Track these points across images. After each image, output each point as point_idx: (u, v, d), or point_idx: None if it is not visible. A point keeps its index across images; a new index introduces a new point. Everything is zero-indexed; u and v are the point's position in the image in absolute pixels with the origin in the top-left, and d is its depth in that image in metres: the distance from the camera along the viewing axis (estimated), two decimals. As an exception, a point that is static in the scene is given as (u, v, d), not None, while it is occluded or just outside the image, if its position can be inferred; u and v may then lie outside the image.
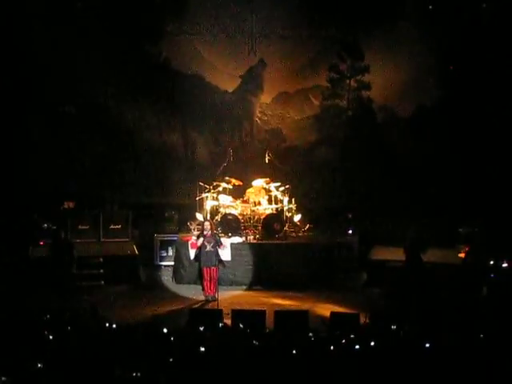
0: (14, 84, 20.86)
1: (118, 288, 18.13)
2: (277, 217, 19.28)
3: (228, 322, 13.25)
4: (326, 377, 9.54)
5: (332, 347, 10.43)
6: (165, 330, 11.31)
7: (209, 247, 16.40)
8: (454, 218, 18.89)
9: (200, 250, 16.71)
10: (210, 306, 16.10)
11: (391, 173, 22.10)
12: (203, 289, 16.85)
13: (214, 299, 16.05)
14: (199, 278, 17.35)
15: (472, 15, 21.41)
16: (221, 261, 16.89)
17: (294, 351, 10.15)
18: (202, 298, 16.75)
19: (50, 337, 10.94)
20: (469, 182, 20.65)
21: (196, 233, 18.51)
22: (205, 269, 16.59)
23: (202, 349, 10.21)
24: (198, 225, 19.53)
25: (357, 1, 22.01)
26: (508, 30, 20.97)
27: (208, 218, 18.07)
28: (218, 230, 18.53)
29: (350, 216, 20.76)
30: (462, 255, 17.98)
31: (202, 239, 16.52)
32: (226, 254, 17.74)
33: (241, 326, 12.20)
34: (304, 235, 19.73)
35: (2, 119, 20.66)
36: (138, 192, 22.34)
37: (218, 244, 16.59)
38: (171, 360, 9.76)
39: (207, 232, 16.51)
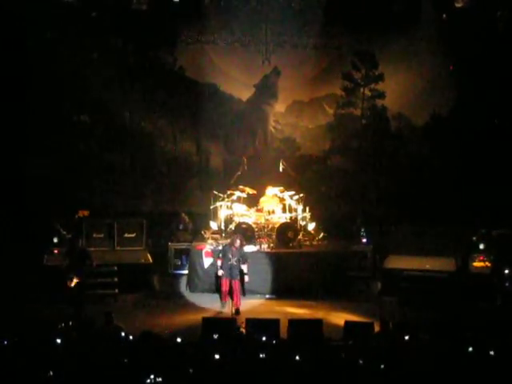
0: (30, 93, 20.95)
1: (133, 296, 18.17)
2: (291, 225, 19.26)
3: (242, 330, 13.25)
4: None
5: (346, 356, 10.40)
6: (178, 340, 11.31)
7: (233, 260, 16.30)
8: (469, 226, 18.82)
9: (223, 260, 16.61)
10: (224, 314, 16.11)
11: (406, 181, 22.05)
12: (221, 297, 16.77)
13: (239, 313, 16.00)
14: (216, 286, 17.26)
15: (488, 23, 21.33)
16: (243, 273, 16.71)
17: (308, 360, 10.12)
18: (216, 306, 16.71)
19: (64, 345, 10.96)
20: (483, 190, 20.56)
21: (211, 242, 18.61)
22: (225, 279, 16.48)
23: (217, 356, 10.20)
24: (212, 233, 19.58)
25: (371, 9, 21.94)
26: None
27: (238, 233, 17.65)
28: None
29: (365, 225, 20.67)
30: (477, 264, 17.91)
31: (227, 249, 16.49)
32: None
33: (255, 334, 12.21)
34: (318, 244, 19.67)
35: (16, 127, 20.75)
36: (152, 201, 22.37)
37: (243, 260, 16.48)
38: (185, 369, 9.76)
39: (236, 246, 16.43)
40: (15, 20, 20.45)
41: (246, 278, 16.67)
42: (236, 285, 16.42)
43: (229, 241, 17.26)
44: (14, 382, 9.28)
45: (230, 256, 16.36)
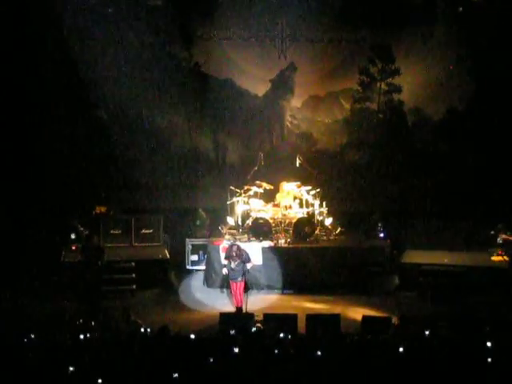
0: (47, 89, 21.02)
1: (150, 292, 18.23)
2: (308, 220, 19.22)
3: (260, 326, 13.27)
4: (357, 380, 9.51)
5: (364, 351, 10.39)
6: (192, 336, 11.33)
7: (233, 265, 16.13)
8: (486, 220, 18.72)
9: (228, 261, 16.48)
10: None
11: (423, 175, 21.96)
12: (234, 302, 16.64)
13: (240, 312, 15.90)
14: (228, 288, 17.15)
15: (504, 17, 21.21)
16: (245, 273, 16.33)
17: (326, 355, 10.11)
18: (234, 301, 16.66)
19: (83, 341, 11.02)
20: (501, 184, 20.45)
21: (228, 237, 18.62)
22: (231, 282, 16.42)
23: (236, 350, 10.22)
24: (229, 229, 19.58)
25: (387, 3, 21.90)
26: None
27: (236, 242, 17.18)
28: (249, 235, 18.61)
29: (382, 219, 20.62)
30: (496, 258, 17.84)
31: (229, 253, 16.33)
32: (257, 259, 17.72)
33: (272, 329, 12.22)
34: (335, 239, 19.63)
35: (34, 123, 20.85)
36: (169, 196, 22.38)
37: (245, 261, 16.17)
38: (203, 364, 9.78)
39: (234, 254, 16.19)
40: (33, 15, 20.55)
41: (249, 266, 16.30)
42: (237, 287, 16.21)
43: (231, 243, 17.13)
44: (35, 378, 9.32)
45: (231, 260, 16.17)
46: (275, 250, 18.44)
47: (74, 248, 18.26)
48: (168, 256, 19.10)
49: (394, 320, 13.44)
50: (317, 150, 23.17)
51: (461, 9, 21.95)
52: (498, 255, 17.86)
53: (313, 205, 19.61)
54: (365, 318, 13.76)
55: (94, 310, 15.07)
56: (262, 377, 9.48)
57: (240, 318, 14.63)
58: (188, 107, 22.71)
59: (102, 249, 16.40)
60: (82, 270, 16.01)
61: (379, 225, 20.42)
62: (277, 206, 19.61)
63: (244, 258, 16.09)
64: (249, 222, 19.19)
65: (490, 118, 21.45)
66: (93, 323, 12.86)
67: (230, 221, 19.81)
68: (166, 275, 18.91)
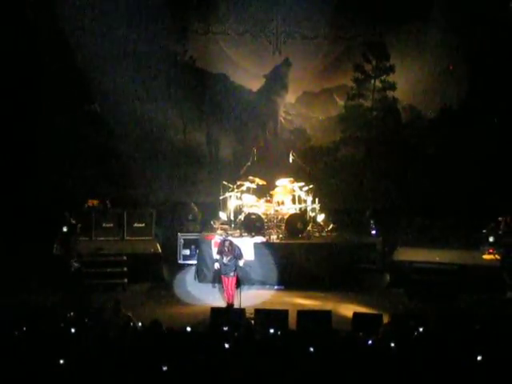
0: (40, 81, 20.98)
1: (142, 286, 18.22)
2: (300, 216, 19.24)
3: (251, 321, 13.27)
4: (348, 377, 9.51)
5: (355, 347, 10.39)
6: (183, 330, 11.32)
7: (226, 260, 16.14)
8: (479, 219, 18.77)
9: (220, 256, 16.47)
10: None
11: (416, 173, 21.98)
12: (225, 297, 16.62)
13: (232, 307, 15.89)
14: (220, 282, 17.14)
15: (500, 14, 21.23)
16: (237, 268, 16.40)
17: (316, 351, 10.11)
18: (225, 296, 16.64)
19: (73, 333, 11.01)
20: (494, 183, 20.48)
21: (220, 232, 18.62)
22: (222, 277, 16.42)
23: (227, 345, 10.22)
24: (221, 224, 19.58)
25: (382, 1, 21.91)
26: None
27: (229, 238, 17.21)
28: (241, 230, 18.62)
29: (374, 216, 20.65)
30: (487, 257, 17.91)
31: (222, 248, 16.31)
32: (249, 254, 17.71)
33: (263, 325, 12.22)
34: (327, 235, 19.63)
35: (27, 116, 20.80)
36: (161, 191, 22.35)
37: (237, 258, 16.19)
38: (194, 358, 9.77)
39: (226, 249, 16.19)
40: (28, 11, 20.53)
41: (241, 263, 16.31)
42: (229, 282, 16.22)
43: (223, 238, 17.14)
44: (26, 370, 9.31)
45: (224, 256, 16.17)
46: (267, 245, 18.46)
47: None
48: (160, 250, 19.12)
49: (385, 317, 13.47)
50: (310, 146, 23.15)
51: (456, 7, 21.94)
52: (489, 254, 17.95)
53: (305, 201, 19.62)
54: (356, 314, 13.77)
55: (81, 303, 15.04)
56: (252, 372, 9.48)
57: (231, 313, 14.63)
58: (182, 102, 22.66)
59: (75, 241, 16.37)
60: (64, 263, 16.02)
61: (371, 222, 20.48)
62: (269, 201, 19.61)
63: (236, 254, 16.09)
64: (241, 217, 19.18)
65: (484, 116, 21.48)
66: (84, 316, 12.83)
67: (223, 216, 19.82)
68: (157, 269, 18.90)
